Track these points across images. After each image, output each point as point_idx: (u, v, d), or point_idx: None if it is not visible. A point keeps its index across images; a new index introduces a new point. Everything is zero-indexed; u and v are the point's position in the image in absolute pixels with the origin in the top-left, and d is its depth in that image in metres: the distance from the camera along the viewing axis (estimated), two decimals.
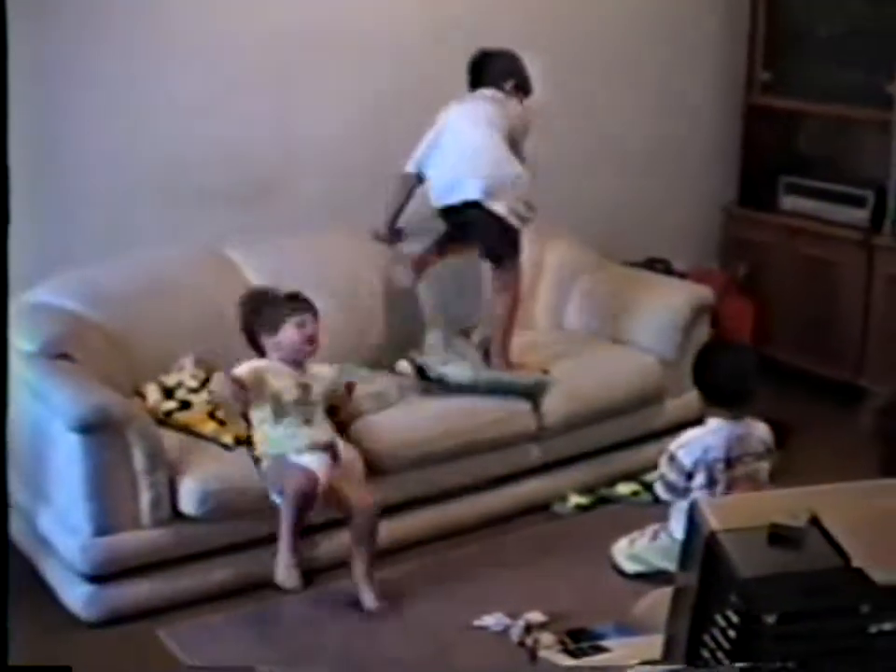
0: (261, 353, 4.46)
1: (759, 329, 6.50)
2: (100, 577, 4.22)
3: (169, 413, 4.55)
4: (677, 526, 4.29)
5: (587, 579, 4.54)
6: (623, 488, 5.23)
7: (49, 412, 4.19)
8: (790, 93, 6.59)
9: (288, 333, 4.37)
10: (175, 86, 5.16)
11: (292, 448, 4.32)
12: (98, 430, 4.08)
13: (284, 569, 4.27)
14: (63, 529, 4.27)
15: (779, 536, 1.83)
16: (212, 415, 4.55)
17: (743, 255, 6.73)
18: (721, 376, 4.49)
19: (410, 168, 5.14)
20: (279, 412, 4.34)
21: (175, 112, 5.18)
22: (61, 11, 4.85)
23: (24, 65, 4.38)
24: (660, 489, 4.47)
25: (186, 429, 4.52)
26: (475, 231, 5.11)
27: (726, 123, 6.85)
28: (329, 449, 4.39)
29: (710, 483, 4.33)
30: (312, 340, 4.42)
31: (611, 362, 5.37)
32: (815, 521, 1.86)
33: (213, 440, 4.50)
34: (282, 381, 4.35)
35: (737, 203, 6.89)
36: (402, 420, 4.80)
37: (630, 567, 4.54)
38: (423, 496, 4.80)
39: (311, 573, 4.43)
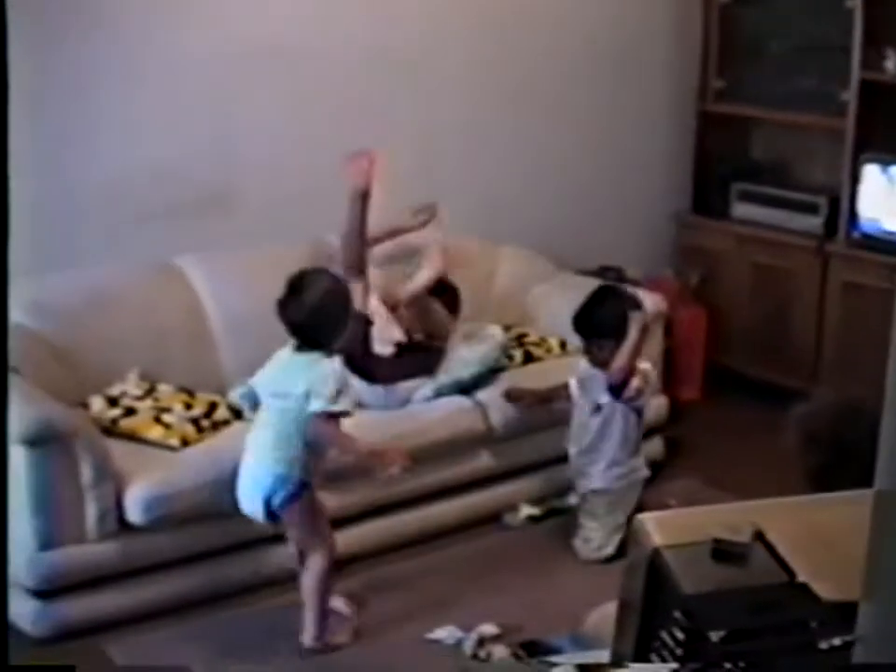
0: None
1: (712, 337, 6.50)
2: (46, 592, 4.16)
3: (114, 421, 4.49)
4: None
5: (539, 590, 4.52)
6: (575, 499, 5.06)
7: None
8: (743, 100, 6.59)
9: None
10: (118, 105, 5.08)
11: None
12: (44, 443, 4.02)
13: None
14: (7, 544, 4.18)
15: (723, 552, 1.81)
16: (157, 419, 4.50)
17: (696, 263, 6.69)
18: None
19: None
20: None
21: (118, 130, 5.10)
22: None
23: None
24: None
25: (131, 436, 4.46)
26: None
27: (679, 130, 6.83)
28: None
29: None
30: None
31: (562, 369, 5.25)
32: (759, 536, 1.84)
33: (159, 444, 4.45)
34: None
35: (690, 211, 6.88)
36: (352, 429, 4.61)
37: None
38: (373, 506, 4.74)
39: (261, 586, 4.43)
